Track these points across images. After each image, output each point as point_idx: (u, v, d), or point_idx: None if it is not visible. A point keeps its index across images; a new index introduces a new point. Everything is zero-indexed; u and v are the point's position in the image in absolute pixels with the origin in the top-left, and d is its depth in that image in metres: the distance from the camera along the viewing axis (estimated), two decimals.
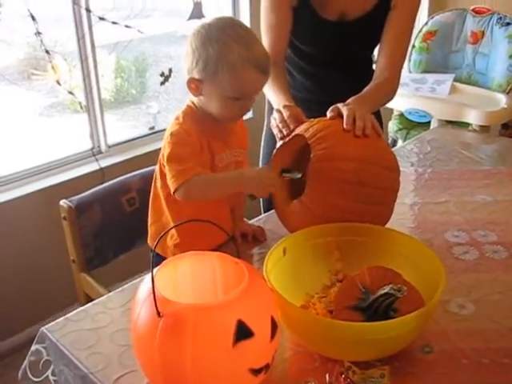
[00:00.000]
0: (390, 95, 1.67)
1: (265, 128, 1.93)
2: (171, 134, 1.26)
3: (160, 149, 1.34)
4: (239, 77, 1.21)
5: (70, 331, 1.14)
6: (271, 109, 1.73)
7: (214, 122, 1.30)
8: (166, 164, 1.27)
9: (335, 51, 1.70)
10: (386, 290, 1.01)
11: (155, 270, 0.93)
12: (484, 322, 1.16)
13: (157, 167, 1.37)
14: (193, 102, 1.31)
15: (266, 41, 1.65)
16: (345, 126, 1.29)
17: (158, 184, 1.37)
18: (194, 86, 1.25)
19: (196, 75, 1.24)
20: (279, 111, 1.41)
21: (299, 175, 1.32)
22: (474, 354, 1.06)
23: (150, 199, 1.42)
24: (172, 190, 1.26)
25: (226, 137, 1.35)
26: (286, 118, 1.38)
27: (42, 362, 1.16)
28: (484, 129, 2.51)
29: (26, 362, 1.18)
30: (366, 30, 1.66)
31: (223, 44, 1.19)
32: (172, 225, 1.30)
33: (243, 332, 0.85)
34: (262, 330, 0.89)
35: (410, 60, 2.97)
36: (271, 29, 1.66)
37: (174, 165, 1.25)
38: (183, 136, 1.26)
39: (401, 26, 1.64)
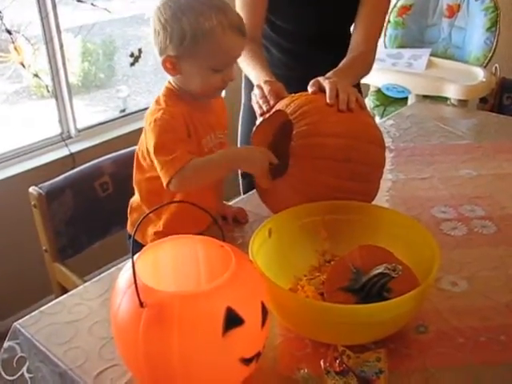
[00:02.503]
0: (366, 69, 1.64)
1: (242, 106, 1.87)
2: (155, 121, 1.16)
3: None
4: (220, 44, 1.13)
5: (45, 325, 1.07)
6: (249, 85, 1.68)
7: (196, 103, 1.22)
8: (153, 156, 1.17)
9: (314, 27, 1.65)
10: (381, 269, 0.97)
11: (135, 257, 0.86)
12: (478, 298, 1.12)
13: (136, 154, 1.29)
14: (170, 83, 1.23)
15: (242, 14, 1.58)
16: (328, 100, 1.23)
17: (139, 172, 1.29)
18: (170, 64, 1.16)
19: (171, 52, 1.14)
20: (260, 87, 1.36)
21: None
22: (471, 333, 1.03)
23: (135, 186, 1.34)
24: (164, 183, 1.16)
25: (209, 118, 1.27)
26: (266, 93, 1.32)
27: (15, 359, 1.09)
28: (462, 103, 2.48)
29: None
30: (343, 6, 1.62)
31: (198, 12, 1.11)
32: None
33: (233, 320, 0.80)
34: (253, 316, 0.83)
35: (385, 35, 2.92)
36: (247, 3, 1.59)
37: (163, 156, 1.15)
38: (169, 121, 1.16)
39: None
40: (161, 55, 1.17)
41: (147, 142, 1.19)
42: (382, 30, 1.70)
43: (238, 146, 1.85)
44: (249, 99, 1.79)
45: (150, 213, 0.88)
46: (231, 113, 1.70)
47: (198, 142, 1.23)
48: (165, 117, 1.16)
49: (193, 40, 1.12)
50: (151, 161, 1.21)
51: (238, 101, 1.88)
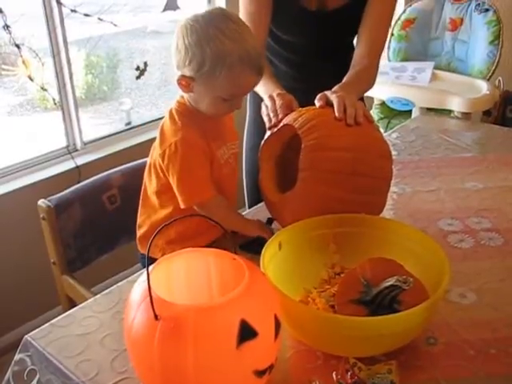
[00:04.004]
0: (370, 84, 1.64)
1: (247, 118, 1.88)
2: (175, 145, 1.19)
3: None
4: (236, 79, 1.15)
5: (56, 338, 1.07)
6: (255, 98, 1.69)
7: (207, 118, 1.25)
8: (173, 180, 1.21)
9: (316, 40, 1.67)
10: (392, 281, 0.97)
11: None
12: (487, 310, 1.13)
13: (146, 171, 1.31)
14: (183, 98, 1.25)
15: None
16: (336, 114, 1.24)
17: (150, 188, 1.31)
18: (185, 83, 1.18)
19: (188, 73, 1.17)
20: (272, 98, 1.36)
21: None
22: (481, 345, 1.03)
23: (140, 201, 1.36)
24: (182, 206, 1.23)
25: (221, 130, 1.29)
26: (277, 106, 1.33)
27: (26, 371, 1.09)
28: (466, 116, 2.50)
29: (9, 373, 1.11)
30: (346, 19, 1.62)
31: (220, 44, 1.12)
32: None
33: (247, 332, 0.80)
34: (266, 328, 0.84)
35: (389, 48, 2.95)
36: (251, 17, 1.60)
37: (184, 182, 1.21)
38: (190, 146, 1.19)
39: (380, 13, 1.60)
40: (177, 70, 1.19)
41: (164, 164, 1.22)
42: (385, 44, 1.70)
43: (243, 159, 1.86)
44: (254, 111, 1.81)
45: (163, 228, 0.88)
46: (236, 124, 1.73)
47: (213, 156, 1.25)
48: (185, 141, 1.19)
49: (211, 70, 1.13)
50: (164, 177, 1.24)
51: (240, 113, 1.90)
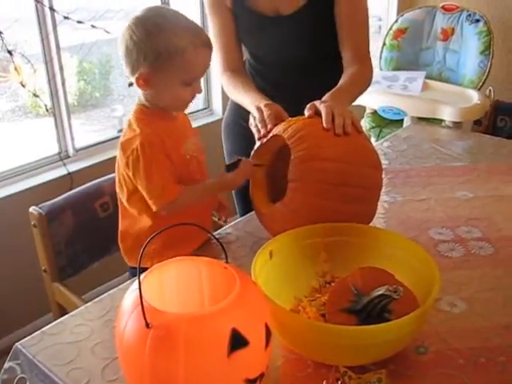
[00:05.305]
0: (365, 86, 1.59)
1: (224, 121, 1.87)
2: (136, 151, 1.22)
3: None
4: (192, 60, 1.21)
5: (46, 346, 1.07)
6: (236, 110, 1.68)
7: (167, 116, 1.30)
8: (141, 186, 1.25)
9: (285, 51, 1.61)
10: (382, 291, 0.98)
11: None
12: (477, 319, 1.13)
13: (117, 185, 1.34)
14: (141, 101, 1.29)
15: (216, 48, 1.62)
16: (324, 124, 1.25)
17: (124, 199, 1.33)
18: (143, 81, 1.22)
19: (145, 69, 1.20)
20: (260, 109, 1.37)
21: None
22: (470, 353, 1.04)
23: (120, 215, 1.39)
24: (154, 209, 1.27)
25: (180, 129, 1.34)
26: (266, 117, 1.34)
27: (16, 379, 1.09)
28: (457, 125, 2.52)
29: None
30: (305, 25, 1.56)
31: (171, 33, 1.18)
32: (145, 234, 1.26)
33: (238, 341, 0.81)
34: (257, 337, 0.84)
35: (380, 57, 2.97)
36: (218, 35, 1.63)
37: (150, 185, 1.25)
38: (150, 149, 1.23)
39: (351, 14, 1.54)
40: (133, 73, 1.22)
41: (129, 170, 1.25)
42: (368, 41, 1.62)
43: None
44: (232, 115, 1.79)
45: (151, 240, 0.88)
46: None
47: (178, 153, 1.29)
48: (144, 144, 1.22)
49: (167, 57, 1.18)
50: (133, 185, 1.28)
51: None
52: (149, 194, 1.25)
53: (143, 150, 1.22)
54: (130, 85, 1.27)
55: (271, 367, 0.97)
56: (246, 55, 1.72)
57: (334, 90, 1.45)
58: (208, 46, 1.24)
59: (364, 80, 1.59)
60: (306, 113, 1.30)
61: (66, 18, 2.26)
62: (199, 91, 1.28)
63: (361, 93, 1.59)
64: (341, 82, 1.52)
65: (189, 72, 1.22)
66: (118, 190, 1.35)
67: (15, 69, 2.22)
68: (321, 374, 0.97)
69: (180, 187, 1.27)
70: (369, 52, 1.62)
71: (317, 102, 1.32)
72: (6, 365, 1.10)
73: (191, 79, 1.24)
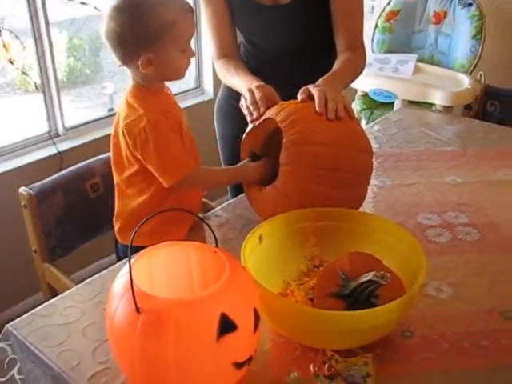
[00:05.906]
0: (358, 71, 1.61)
1: (216, 103, 1.86)
2: (144, 131, 1.21)
3: None
4: (183, 27, 1.23)
5: (37, 327, 1.08)
6: (229, 92, 1.68)
7: (161, 95, 1.30)
8: (152, 165, 1.24)
9: (281, 38, 1.62)
10: (369, 276, 0.99)
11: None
12: (462, 304, 1.15)
13: (113, 165, 1.33)
14: (136, 81, 1.28)
15: (211, 36, 1.64)
16: (317, 108, 1.25)
17: (123, 179, 1.33)
18: (146, 62, 1.22)
19: (146, 52, 1.20)
20: (251, 91, 1.36)
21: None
22: (455, 338, 1.06)
23: (116, 195, 1.38)
24: (166, 185, 1.26)
25: (174, 104, 1.34)
26: (257, 99, 1.34)
27: (6, 360, 1.09)
28: (447, 109, 2.52)
29: None
30: (303, 13, 1.57)
31: (157, 8, 1.19)
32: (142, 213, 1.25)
33: (227, 325, 0.82)
34: (246, 322, 0.85)
35: (372, 40, 2.96)
36: (212, 23, 1.63)
37: (163, 162, 1.24)
38: (158, 127, 1.22)
39: (346, 1, 1.55)
40: (133, 60, 1.22)
41: (138, 152, 1.24)
42: (362, 28, 1.63)
43: (219, 146, 1.87)
44: (225, 98, 1.79)
45: (143, 224, 0.89)
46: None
47: (180, 127, 1.30)
48: (151, 122, 1.21)
49: (164, 33, 1.20)
50: (138, 166, 1.27)
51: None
52: (162, 171, 1.24)
53: (151, 128, 1.21)
54: (121, 65, 1.27)
55: (259, 351, 0.98)
56: (240, 38, 1.71)
57: (327, 75, 1.46)
58: (191, 10, 1.26)
59: (357, 67, 1.60)
60: (299, 97, 1.31)
61: None
62: (193, 54, 1.29)
63: (353, 79, 1.60)
64: (334, 67, 1.52)
65: (184, 40, 1.25)
66: (115, 171, 1.34)
67: (4, 46, 2.19)
68: (308, 357, 0.99)
69: (192, 163, 1.29)
70: (362, 39, 1.63)
71: (310, 86, 1.32)
72: None
73: (186, 43, 1.26)
